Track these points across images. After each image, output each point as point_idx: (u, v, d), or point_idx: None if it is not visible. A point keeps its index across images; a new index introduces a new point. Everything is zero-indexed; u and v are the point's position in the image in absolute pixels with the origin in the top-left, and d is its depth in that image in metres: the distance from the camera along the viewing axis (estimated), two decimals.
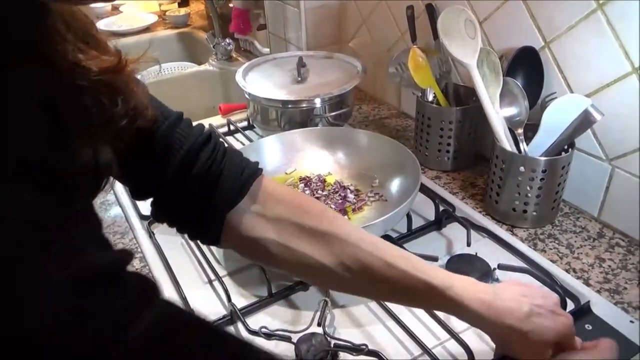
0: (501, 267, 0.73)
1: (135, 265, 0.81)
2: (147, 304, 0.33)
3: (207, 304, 0.73)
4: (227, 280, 0.75)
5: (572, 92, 0.83)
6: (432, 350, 0.63)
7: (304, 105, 1.02)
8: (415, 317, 0.69)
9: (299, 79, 1.08)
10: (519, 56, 0.86)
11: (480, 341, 0.65)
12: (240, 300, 0.72)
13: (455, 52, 0.86)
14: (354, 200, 0.87)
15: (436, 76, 0.99)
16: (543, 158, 0.79)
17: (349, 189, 0.89)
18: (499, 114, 0.84)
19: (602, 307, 0.68)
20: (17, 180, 0.27)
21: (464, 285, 0.52)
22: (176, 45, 2.01)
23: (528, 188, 0.80)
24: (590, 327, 0.65)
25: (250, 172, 0.55)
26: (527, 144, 0.83)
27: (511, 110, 0.85)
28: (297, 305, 0.72)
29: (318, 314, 0.67)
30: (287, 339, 0.64)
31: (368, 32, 1.28)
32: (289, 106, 1.03)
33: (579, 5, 0.77)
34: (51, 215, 0.29)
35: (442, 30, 0.87)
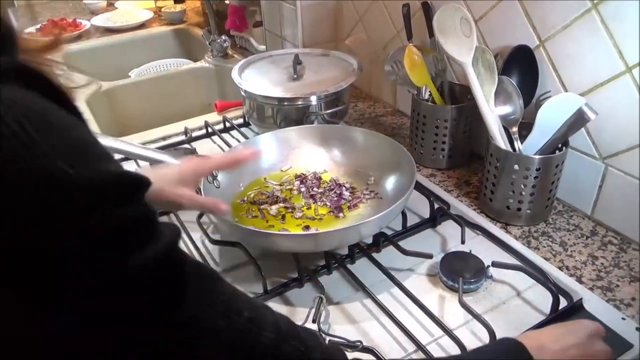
0: (495, 264, 0.73)
1: None
2: None
3: None
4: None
5: (566, 90, 0.83)
6: (426, 346, 0.63)
7: (300, 102, 1.02)
8: (410, 314, 0.69)
9: (295, 76, 1.08)
10: (514, 55, 0.86)
11: (473, 338, 0.65)
12: None
13: (450, 50, 0.86)
14: (350, 197, 0.87)
15: (432, 74, 0.99)
16: (537, 156, 0.80)
17: (345, 186, 0.90)
18: (493, 113, 0.85)
19: (595, 304, 0.69)
20: None
21: None
22: (172, 42, 2.01)
23: (522, 186, 0.81)
24: None
25: None
26: (522, 142, 0.84)
27: (506, 109, 0.86)
28: (292, 302, 0.73)
29: (313, 310, 0.67)
30: None
31: (364, 29, 1.28)
32: (285, 103, 1.03)
33: (573, 5, 0.77)
34: None
35: (437, 28, 0.87)
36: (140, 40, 1.94)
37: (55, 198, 0.29)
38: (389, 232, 0.81)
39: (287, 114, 1.04)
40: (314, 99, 1.02)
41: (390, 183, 0.88)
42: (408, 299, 0.70)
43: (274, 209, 0.85)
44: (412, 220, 0.84)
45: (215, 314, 0.39)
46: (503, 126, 0.85)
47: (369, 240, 0.80)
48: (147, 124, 1.31)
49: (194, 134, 1.15)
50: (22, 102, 0.30)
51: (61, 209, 0.30)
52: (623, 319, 0.67)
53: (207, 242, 0.82)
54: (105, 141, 0.78)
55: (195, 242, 0.82)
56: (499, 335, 0.62)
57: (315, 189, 0.89)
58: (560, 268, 0.76)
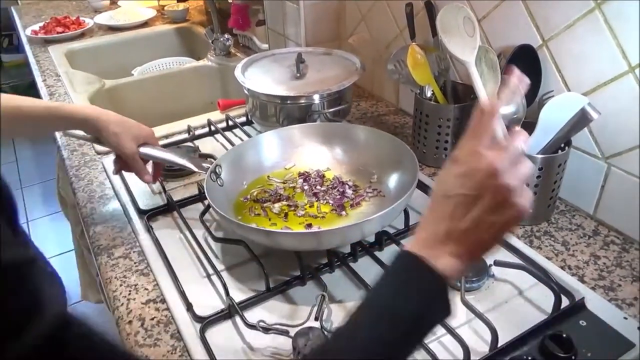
0: (497, 263, 0.74)
1: (133, 259, 0.82)
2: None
3: (205, 298, 0.73)
4: (225, 275, 0.76)
5: (569, 90, 0.83)
6: (428, 344, 0.63)
7: (303, 101, 1.02)
8: None
9: (298, 75, 1.08)
10: (517, 54, 0.86)
11: (475, 336, 0.65)
12: (238, 294, 0.72)
13: (453, 49, 0.86)
14: (352, 195, 0.87)
15: (434, 73, 1.00)
16: (540, 156, 0.80)
17: (348, 184, 0.90)
18: None
19: (597, 303, 0.69)
20: None
21: None
22: (174, 40, 2.01)
23: (524, 185, 0.81)
24: (585, 323, 0.66)
25: None
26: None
27: (508, 108, 0.85)
28: (295, 300, 0.73)
29: (315, 308, 0.67)
30: (285, 333, 0.64)
31: (367, 29, 1.29)
32: (288, 102, 1.03)
33: (577, 4, 0.77)
34: None
35: (440, 27, 0.87)
36: (143, 38, 1.94)
37: None
38: (392, 231, 0.81)
39: (289, 112, 1.04)
40: (316, 98, 1.02)
41: (393, 181, 0.88)
42: None
43: (276, 207, 0.85)
44: (414, 219, 0.84)
45: None
46: (506, 125, 0.85)
47: (372, 239, 0.80)
48: (150, 122, 1.30)
49: (197, 132, 1.15)
50: None
51: None
52: (625, 318, 0.67)
53: (210, 239, 0.82)
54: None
55: (199, 240, 0.82)
56: (501, 335, 0.62)
57: (318, 187, 0.89)
58: (562, 267, 0.76)
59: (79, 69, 1.64)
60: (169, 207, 0.91)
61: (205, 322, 0.68)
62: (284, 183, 0.91)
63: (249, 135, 1.13)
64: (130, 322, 0.71)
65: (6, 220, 0.33)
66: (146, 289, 0.76)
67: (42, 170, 2.98)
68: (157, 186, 0.98)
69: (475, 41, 0.85)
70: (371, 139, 0.93)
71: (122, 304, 0.74)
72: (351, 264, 0.77)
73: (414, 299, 0.46)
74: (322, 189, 0.89)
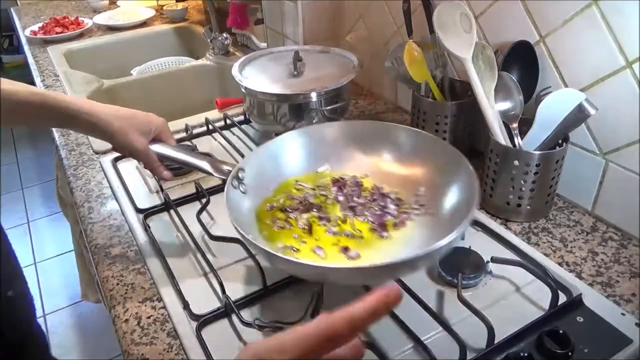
0: (494, 260, 0.73)
1: (130, 258, 0.82)
2: None
3: (201, 297, 0.73)
4: (221, 273, 0.75)
5: (566, 86, 0.83)
6: (424, 341, 0.63)
7: (300, 99, 1.02)
8: (408, 309, 0.69)
9: (295, 73, 1.08)
10: (514, 50, 0.86)
11: (472, 333, 0.65)
12: (235, 292, 0.72)
13: (450, 46, 0.86)
14: (396, 212, 0.72)
15: (432, 70, 0.99)
16: (537, 152, 0.79)
17: (390, 197, 0.75)
18: (493, 108, 0.84)
19: (594, 299, 0.69)
20: None
21: None
22: (173, 40, 2.01)
23: (522, 182, 0.81)
24: (582, 320, 0.66)
25: None
26: (522, 138, 0.84)
27: (506, 105, 0.85)
28: (291, 298, 0.73)
29: (311, 306, 0.67)
30: (281, 331, 0.64)
31: (364, 26, 1.28)
32: (285, 100, 1.03)
33: (574, 0, 0.77)
34: None
35: (437, 24, 0.87)
36: (142, 38, 1.94)
37: None
38: None
39: (287, 110, 1.04)
40: (314, 96, 1.02)
41: (444, 196, 0.72)
42: (407, 294, 0.69)
43: (304, 218, 0.73)
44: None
45: None
46: (503, 122, 0.85)
47: None
48: None
49: (195, 131, 1.15)
50: None
51: None
52: (623, 314, 0.66)
53: (206, 237, 0.82)
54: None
55: (195, 238, 0.82)
56: (498, 331, 0.62)
57: (355, 198, 0.76)
58: (560, 264, 0.76)
59: (78, 69, 1.64)
60: (166, 206, 0.91)
61: (202, 321, 0.68)
62: (313, 190, 0.78)
63: (246, 134, 1.13)
64: (126, 320, 0.71)
65: None
66: (143, 288, 0.76)
67: (42, 171, 2.98)
68: (154, 185, 0.98)
69: (472, 38, 0.85)
70: (418, 143, 0.78)
71: (119, 303, 0.74)
72: None
73: None
74: (360, 201, 0.75)
